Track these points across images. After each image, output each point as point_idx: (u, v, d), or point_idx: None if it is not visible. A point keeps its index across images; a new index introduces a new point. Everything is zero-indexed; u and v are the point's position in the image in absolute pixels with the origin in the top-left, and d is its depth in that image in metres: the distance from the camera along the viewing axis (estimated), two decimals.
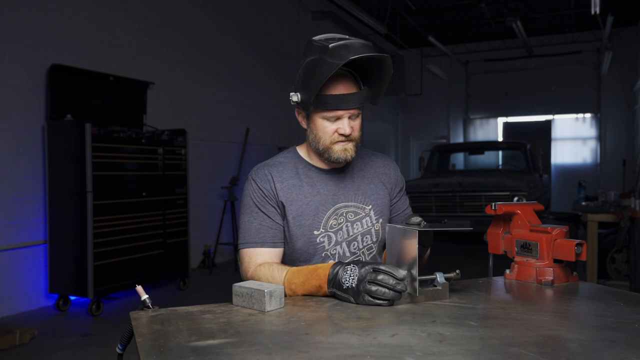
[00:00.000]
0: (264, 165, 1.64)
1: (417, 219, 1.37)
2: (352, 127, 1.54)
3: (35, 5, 4.49)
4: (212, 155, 6.64)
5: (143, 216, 4.77)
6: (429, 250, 1.67)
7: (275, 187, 1.59)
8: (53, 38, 4.63)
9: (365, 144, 10.05)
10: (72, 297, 4.53)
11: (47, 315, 4.32)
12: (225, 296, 1.31)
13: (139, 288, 1.29)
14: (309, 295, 1.39)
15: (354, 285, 1.28)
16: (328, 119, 1.53)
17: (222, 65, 6.89)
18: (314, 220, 1.58)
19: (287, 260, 1.62)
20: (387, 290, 1.25)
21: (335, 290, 1.33)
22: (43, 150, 4.51)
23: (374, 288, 1.26)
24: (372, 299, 1.26)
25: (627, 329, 1.09)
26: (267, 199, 1.58)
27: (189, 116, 6.13)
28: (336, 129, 1.53)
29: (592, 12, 7.09)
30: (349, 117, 1.53)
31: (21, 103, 4.38)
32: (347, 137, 1.54)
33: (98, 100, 4.91)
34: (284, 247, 1.61)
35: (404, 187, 1.79)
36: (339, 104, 1.50)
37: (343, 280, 1.31)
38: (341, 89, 1.50)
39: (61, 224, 4.44)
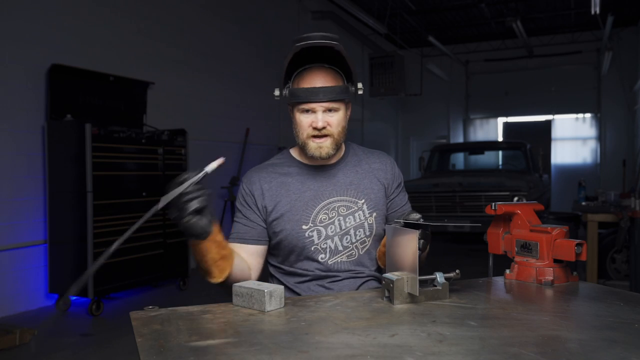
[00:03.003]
0: (255, 169, 1.70)
1: (416, 216, 1.37)
2: (326, 122, 1.54)
3: (35, 6, 4.49)
4: (212, 155, 6.61)
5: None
6: (428, 248, 1.67)
7: (262, 190, 1.63)
8: (53, 38, 4.63)
9: (365, 144, 10.04)
10: (72, 297, 4.53)
11: (47, 315, 4.32)
12: (225, 296, 1.32)
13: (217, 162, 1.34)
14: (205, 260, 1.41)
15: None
16: (302, 112, 1.56)
17: (222, 65, 6.89)
18: (303, 215, 1.60)
19: (280, 254, 1.65)
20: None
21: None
22: (43, 150, 4.51)
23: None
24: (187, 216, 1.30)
25: (627, 329, 1.09)
26: (249, 204, 1.64)
27: (189, 116, 6.13)
28: (310, 123, 1.55)
29: (592, 12, 7.09)
30: (325, 111, 1.54)
31: (21, 103, 4.38)
32: (320, 131, 1.55)
33: (98, 100, 4.91)
34: (270, 244, 1.65)
35: (402, 183, 1.78)
36: (309, 96, 1.52)
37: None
38: (317, 82, 1.53)
39: (61, 224, 4.44)
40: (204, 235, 1.35)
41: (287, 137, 7.97)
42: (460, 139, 13.30)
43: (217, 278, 1.44)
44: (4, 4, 4.26)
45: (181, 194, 1.29)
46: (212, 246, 1.39)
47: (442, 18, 11.12)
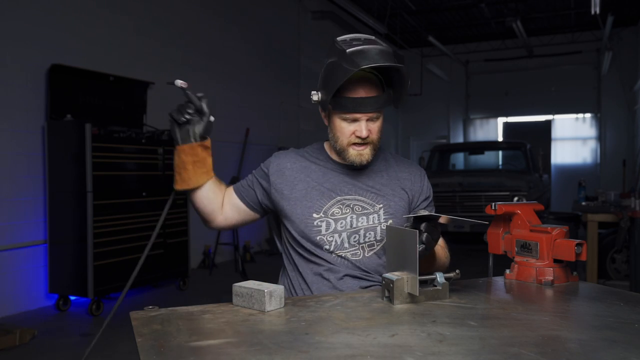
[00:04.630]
0: (288, 151, 1.75)
1: (424, 212, 1.38)
2: (369, 130, 1.56)
3: (35, 6, 4.49)
4: (212, 155, 6.63)
5: (143, 216, 4.76)
6: (447, 252, 1.67)
7: (282, 168, 1.67)
8: (53, 38, 4.63)
9: None
10: (72, 297, 4.53)
11: (47, 315, 4.32)
12: (225, 296, 1.31)
13: (178, 82, 1.46)
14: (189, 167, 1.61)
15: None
16: (345, 120, 1.56)
17: (222, 65, 6.89)
18: (315, 204, 1.62)
19: (289, 237, 1.67)
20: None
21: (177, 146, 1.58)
22: (43, 150, 4.51)
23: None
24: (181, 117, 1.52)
25: (627, 329, 1.09)
26: (263, 178, 1.71)
27: None
28: (353, 131, 1.56)
29: (592, 12, 7.09)
30: (368, 120, 1.55)
31: (21, 103, 4.38)
32: (363, 140, 1.56)
33: (98, 100, 4.91)
34: (285, 223, 1.68)
35: (431, 197, 1.78)
36: (356, 107, 1.52)
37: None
38: (361, 92, 1.52)
39: (61, 224, 4.44)
40: (183, 140, 1.55)
41: (287, 137, 7.97)
42: (460, 139, 13.30)
43: (178, 184, 1.60)
44: (4, 4, 4.26)
45: (184, 105, 1.53)
46: (187, 151, 1.56)
47: (442, 18, 11.12)
